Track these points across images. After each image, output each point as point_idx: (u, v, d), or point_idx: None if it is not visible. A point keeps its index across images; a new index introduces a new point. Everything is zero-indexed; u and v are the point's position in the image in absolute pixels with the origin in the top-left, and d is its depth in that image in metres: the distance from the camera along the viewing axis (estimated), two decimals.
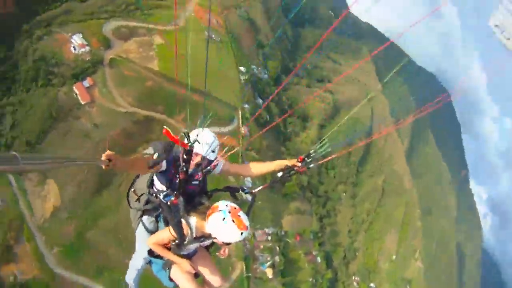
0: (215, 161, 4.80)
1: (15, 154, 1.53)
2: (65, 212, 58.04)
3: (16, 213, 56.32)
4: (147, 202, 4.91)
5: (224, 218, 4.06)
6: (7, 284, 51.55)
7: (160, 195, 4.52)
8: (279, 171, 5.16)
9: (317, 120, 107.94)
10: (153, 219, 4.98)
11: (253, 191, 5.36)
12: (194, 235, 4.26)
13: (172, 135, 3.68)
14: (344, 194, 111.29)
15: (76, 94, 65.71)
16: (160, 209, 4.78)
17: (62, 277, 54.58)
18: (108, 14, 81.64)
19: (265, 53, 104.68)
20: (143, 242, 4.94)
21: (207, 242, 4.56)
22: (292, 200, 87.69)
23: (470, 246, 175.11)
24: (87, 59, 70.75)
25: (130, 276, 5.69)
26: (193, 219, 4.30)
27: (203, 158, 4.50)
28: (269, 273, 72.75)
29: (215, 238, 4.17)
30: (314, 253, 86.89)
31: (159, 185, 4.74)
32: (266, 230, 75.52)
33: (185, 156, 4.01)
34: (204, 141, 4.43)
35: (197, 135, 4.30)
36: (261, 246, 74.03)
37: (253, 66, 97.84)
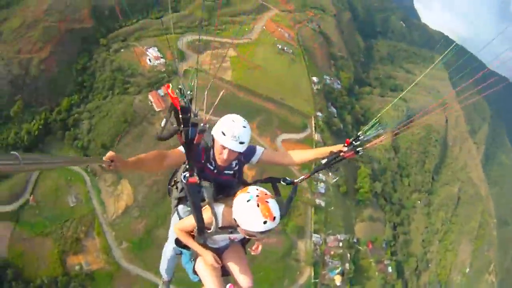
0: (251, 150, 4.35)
1: (16, 154, 1.49)
2: (136, 210, 60.29)
3: (89, 210, 59.41)
4: (182, 189, 4.53)
5: (249, 201, 3.50)
6: (72, 273, 55.23)
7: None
8: (323, 158, 4.32)
9: (390, 128, 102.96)
10: (188, 208, 4.55)
11: (295, 180, 4.47)
12: (220, 224, 3.83)
13: (171, 93, 3.40)
14: (419, 202, 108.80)
15: (151, 101, 66.19)
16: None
17: (127, 270, 57.24)
18: (182, 29, 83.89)
19: (337, 64, 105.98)
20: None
21: (237, 236, 4.03)
22: (365, 207, 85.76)
23: None
24: (162, 70, 71.82)
25: (163, 267, 5.71)
26: (221, 207, 3.88)
27: (231, 151, 3.90)
28: (338, 280, 70.76)
29: (238, 226, 3.61)
30: (385, 262, 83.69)
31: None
32: (338, 236, 73.86)
33: (180, 116, 3.52)
34: (231, 131, 3.83)
35: (223, 125, 3.88)
36: (332, 252, 72.27)
37: (326, 76, 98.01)
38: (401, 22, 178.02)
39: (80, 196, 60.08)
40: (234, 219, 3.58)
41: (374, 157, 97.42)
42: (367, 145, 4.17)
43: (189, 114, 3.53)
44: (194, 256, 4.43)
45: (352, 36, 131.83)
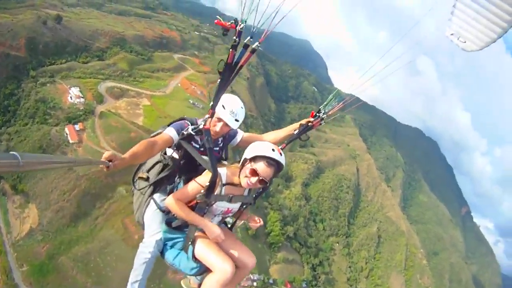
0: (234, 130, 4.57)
1: (15, 154, 1.49)
2: (40, 234, 61.83)
3: None
4: (162, 169, 4.39)
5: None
6: None
7: (187, 131, 4.14)
8: (294, 132, 4.89)
9: (301, 179, 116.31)
10: (165, 197, 4.28)
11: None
12: (224, 181, 3.82)
13: (223, 22, 3.36)
14: (337, 244, 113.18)
15: (66, 134, 74.03)
16: (181, 162, 4.30)
17: None
18: (105, 76, 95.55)
19: (246, 122, 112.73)
20: (156, 222, 4.26)
21: (235, 206, 4.05)
22: (279, 250, 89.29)
23: (487, 275, 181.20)
24: (81, 108, 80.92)
25: (136, 279, 4.11)
26: (223, 168, 3.88)
27: (226, 124, 4.16)
28: None
29: (245, 164, 3.76)
30: None
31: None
32: (251, 276, 73.10)
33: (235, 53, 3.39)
34: (230, 107, 4.14)
35: (224, 100, 4.10)
36: None
37: None
38: (314, 87, 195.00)
39: None
40: (244, 158, 3.79)
41: (284, 204, 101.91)
42: (329, 112, 4.81)
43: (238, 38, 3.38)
44: (191, 238, 3.96)
45: (264, 99, 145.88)
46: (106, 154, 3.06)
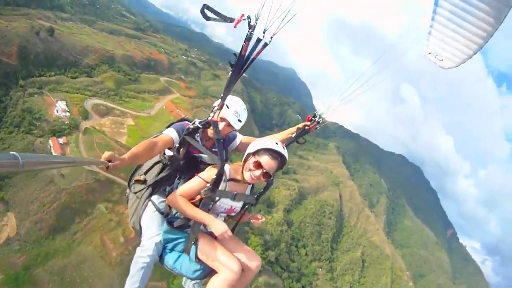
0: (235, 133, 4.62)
1: (16, 154, 1.49)
2: (17, 244, 61.41)
3: None
4: (162, 170, 4.31)
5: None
6: None
7: (194, 124, 4.26)
8: (292, 135, 4.95)
9: (283, 205, 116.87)
10: (164, 198, 4.18)
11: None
12: (227, 177, 3.74)
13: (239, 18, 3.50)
14: (320, 269, 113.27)
15: (50, 146, 74.43)
16: (182, 162, 4.22)
17: None
18: (92, 92, 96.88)
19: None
20: (155, 224, 4.11)
21: (237, 205, 3.93)
22: (260, 274, 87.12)
23: None
24: (66, 122, 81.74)
25: (131, 286, 3.83)
26: (226, 165, 3.80)
27: (228, 124, 4.21)
28: None
29: (249, 158, 3.75)
30: None
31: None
32: None
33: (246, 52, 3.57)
34: (234, 107, 4.20)
35: (229, 100, 4.14)
36: None
37: None
38: (298, 115, 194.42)
39: None
40: (247, 153, 3.78)
41: (265, 229, 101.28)
42: (325, 116, 4.90)
43: (252, 31, 3.49)
44: (194, 237, 3.81)
45: (248, 126, 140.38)
46: (105, 155, 3.10)
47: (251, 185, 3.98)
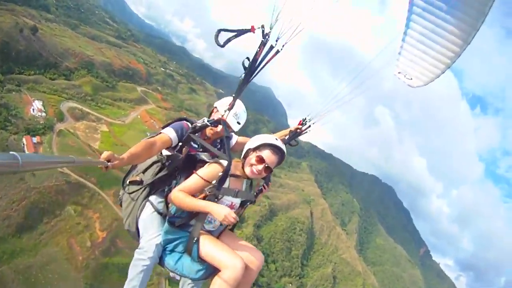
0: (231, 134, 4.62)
1: (15, 155, 1.48)
2: None
3: None
4: (160, 169, 4.21)
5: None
6: None
7: (201, 122, 4.29)
8: (285, 138, 5.10)
9: (252, 221, 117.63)
10: (162, 199, 4.09)
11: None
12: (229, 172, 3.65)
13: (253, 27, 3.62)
14: (290, 285, 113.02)
15: (23, 144, 74.73)
16: (182, 162, 4.02)
17: None
18: (68, 95, 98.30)
19: None
20: (154, 225, 3.97)
21: (238, 202, 3.89)
22: None
23: None
24: (41, 122, 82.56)
25: None
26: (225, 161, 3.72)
27: (227, 126, 4.27)
28: None
29: (249, 154, 3.76)
30: None
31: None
32: None
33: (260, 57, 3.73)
34: (234, 109, 4.27)
35: (229, 102, 4.24)
36: None
37: None
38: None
39: None
40: (247, 149, 3.80)
41: None
42: (316, 119, 5.00)
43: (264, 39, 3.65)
44: (195, 238, 3.67)
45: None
46: (104, 155, 3.13)
47: (245, 182, 3.98)
